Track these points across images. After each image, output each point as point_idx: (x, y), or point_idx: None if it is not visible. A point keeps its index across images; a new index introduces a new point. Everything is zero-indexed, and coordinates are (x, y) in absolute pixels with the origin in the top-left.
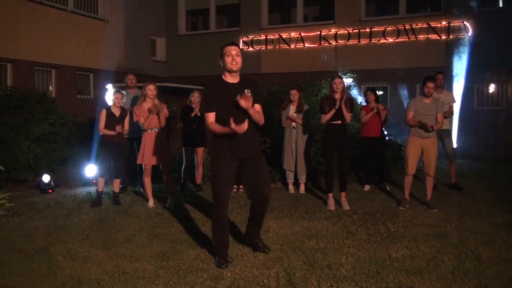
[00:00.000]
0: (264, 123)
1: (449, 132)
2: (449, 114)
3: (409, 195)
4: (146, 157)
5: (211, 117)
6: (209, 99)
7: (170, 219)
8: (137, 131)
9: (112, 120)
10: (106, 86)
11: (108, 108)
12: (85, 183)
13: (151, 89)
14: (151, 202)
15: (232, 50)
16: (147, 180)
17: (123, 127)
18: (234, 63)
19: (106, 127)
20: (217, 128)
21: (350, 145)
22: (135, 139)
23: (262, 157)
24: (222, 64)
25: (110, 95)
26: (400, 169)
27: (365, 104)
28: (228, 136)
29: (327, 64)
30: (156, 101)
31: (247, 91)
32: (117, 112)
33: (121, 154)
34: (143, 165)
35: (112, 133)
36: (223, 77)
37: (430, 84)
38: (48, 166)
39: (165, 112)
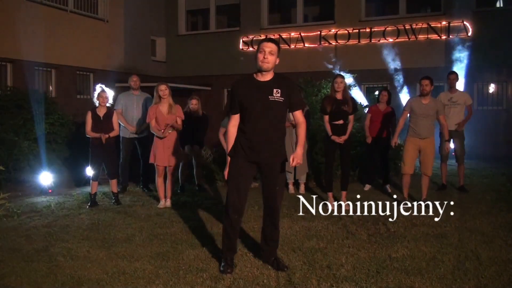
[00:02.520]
0: None
1: (461, 133)
2: (469, 117)
3: (408, 194)
4: (159, 158)
5: (233, 120)
6: (231, 99)
7: (170, 219)
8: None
9: (97, 122)
10: (96, 87)
11: (93, 109)
12: (85, 183)
13: (162, 89)
14: (162, 203)
15: (266, 47)
16: (160, 181)
17: (111, 126)
18: (265, 62)
19: (92, 129)
20: (230, 138)
21: (352, 145)
22: (137, 139)
23: (279, 165)
24: (255, 60)
25: (95, 95)
26: (399, 169)
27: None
28: (246, 137)
29: (326, 64)
30: (171, 102)
31: (277, 91)
32: (101, 113)
33: (111, 154)
34: (155, 165)
35: (97, 135)
36: (254, 74)
37: (424, 82)
38: (48, 166)
39: (179, 114)
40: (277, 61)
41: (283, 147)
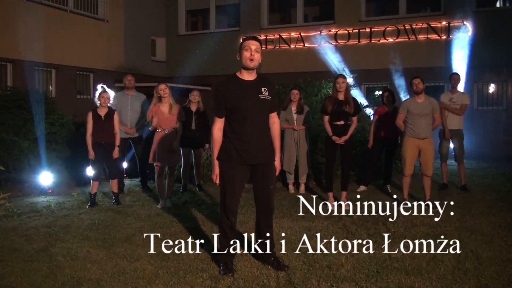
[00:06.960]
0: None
1: (459, 132)
2: (459, 113)
3: (408, 195)
4: (159, 158)
5: (218, 123)
6: (218, 102)
7: (170, 219)
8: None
9: (98, 122)
10: (97, 86)
11: (94, 110)
12: (85, 183)
13: (162, 88)
14: (162, 203)
15: (252, 45)
16: (159, 181)
17: (112, 127)
18: (251, 60)
19: (93, 130)
20: (216, 142)
21: (353, 145)
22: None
23: (273, 164)
24: (239, 59)
25: (97, 95)
26: (399, 169)
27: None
28: (239, 138)
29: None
30: (171, 101)
31: (264, 89)
32: (102, 113)
33: (111, 154)
34: (154, 165)
35: (90, 146)
36: (238, 74)
37: (416, 80)
38: (48, 166)
39: (180, 116)
40: (260, 58)
41: (272, 146)
